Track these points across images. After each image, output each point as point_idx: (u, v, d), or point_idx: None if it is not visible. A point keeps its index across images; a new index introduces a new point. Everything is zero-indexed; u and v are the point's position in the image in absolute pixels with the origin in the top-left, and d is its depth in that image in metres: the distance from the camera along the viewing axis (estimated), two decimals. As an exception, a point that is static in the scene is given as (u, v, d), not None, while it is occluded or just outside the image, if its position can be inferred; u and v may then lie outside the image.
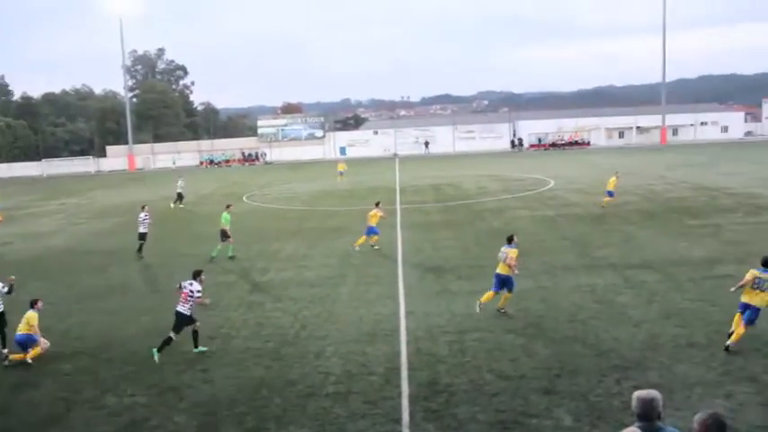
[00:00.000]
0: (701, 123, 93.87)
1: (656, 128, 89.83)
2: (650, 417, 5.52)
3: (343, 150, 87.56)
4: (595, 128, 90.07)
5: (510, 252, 15.34)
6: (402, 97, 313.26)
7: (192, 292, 13.68)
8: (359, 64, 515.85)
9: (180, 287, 13.92)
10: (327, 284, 19.08)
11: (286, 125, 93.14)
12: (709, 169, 47.92)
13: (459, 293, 17.24)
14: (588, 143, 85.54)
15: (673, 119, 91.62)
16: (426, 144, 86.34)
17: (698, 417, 5.14)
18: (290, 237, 27.53)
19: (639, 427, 5.52)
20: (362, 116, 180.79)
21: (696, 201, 32.05)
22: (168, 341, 13.50)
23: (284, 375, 12.40)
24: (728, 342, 12.35)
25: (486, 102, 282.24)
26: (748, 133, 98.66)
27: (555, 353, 12.78)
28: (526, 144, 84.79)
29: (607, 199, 30.71)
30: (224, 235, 23.70)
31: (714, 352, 12.36)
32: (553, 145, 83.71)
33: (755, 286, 12.44)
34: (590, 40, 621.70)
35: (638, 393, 5.69)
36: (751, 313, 12.40)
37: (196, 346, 13.76)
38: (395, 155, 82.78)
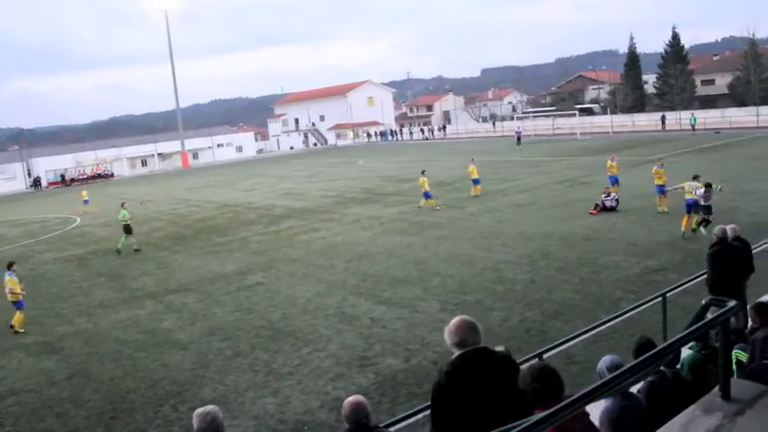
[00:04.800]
0: (218, 145, 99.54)
1: (177, 153, 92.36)
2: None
3: None
4: (117, 158, 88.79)
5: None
6: None
7: None
8: None
9: None
10: None
11: None
12: (230, 187, 51.13)
13: (-12, 357, 15.34)
14: (112, 174, 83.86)
15: (192, 143, 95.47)
16: None
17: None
18: None
19: None
20: None
21: (222, 218, 33.84)
22: None
23: None
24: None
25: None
26: (260, 151, 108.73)
27: (106, 395, 12.23)
28: (44, 182, 79.19)
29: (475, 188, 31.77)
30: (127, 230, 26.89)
31: (257, 356, 13.26)
32: (75, 180, 79.84)
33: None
34: (101, 70, 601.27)
35: (197, 411, 5.82)
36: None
37: None
38: None
